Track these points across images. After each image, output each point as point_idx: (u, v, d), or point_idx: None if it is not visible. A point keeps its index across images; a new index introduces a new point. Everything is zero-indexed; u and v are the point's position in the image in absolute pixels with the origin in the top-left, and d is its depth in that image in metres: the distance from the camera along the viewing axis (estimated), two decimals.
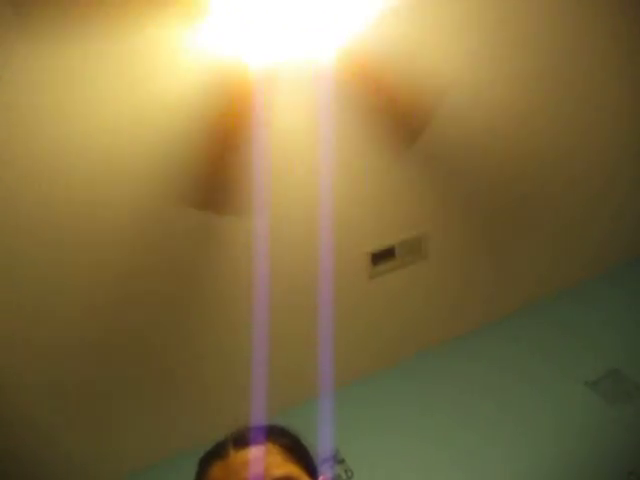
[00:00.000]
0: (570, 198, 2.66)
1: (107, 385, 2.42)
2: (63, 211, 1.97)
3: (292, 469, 0.84)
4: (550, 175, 2.57)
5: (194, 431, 2.54)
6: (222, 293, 2.41)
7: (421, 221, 2.52)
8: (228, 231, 2.25)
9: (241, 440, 0.87)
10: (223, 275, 2.37)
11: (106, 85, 1.81)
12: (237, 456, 0.84)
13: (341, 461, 2.38)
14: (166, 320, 2.38)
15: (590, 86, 2.37)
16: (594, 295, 2.84)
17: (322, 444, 2.26)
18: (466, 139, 2.36)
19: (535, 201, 2.62)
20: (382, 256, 2.54)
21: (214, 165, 1.84)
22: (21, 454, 2.44)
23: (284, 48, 1.72)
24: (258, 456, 0.84)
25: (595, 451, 2.27)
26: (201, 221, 2.17)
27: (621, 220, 2.79)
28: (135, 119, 1.89)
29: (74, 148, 1.88)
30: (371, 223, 2.47)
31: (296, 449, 0.89)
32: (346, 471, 2.36)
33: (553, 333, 2.74)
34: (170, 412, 2.59)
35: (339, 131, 2.18)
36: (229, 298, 2.42)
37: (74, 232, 2.03)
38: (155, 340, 2.41)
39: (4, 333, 2.14)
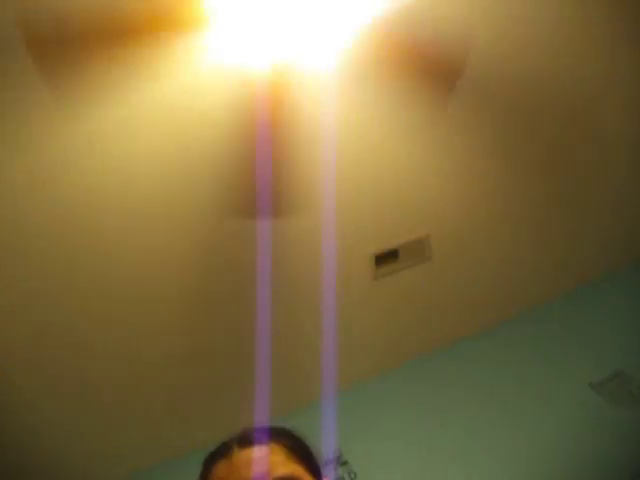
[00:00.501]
0: (572, 201, 2.65)
1: (108, 385, 2.43)
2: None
3: (295, 469, 0.85)
4: (552, 179, 2.57)
5: (195, 434, 2.54)
6: (223, 295, 2.42)
7: (425, 223, 2.52)
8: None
9: (245, 440, 0.87)
10: (225, 277, 2.38)
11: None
12: (241, 455, 0.85)
13: (344, 463, 2.38)
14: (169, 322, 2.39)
15: (596, 88, 2.37)
16: (599, 297, 2.83)
17: (325, 446, 2.26)
18: (469, 143, 2.37)
19: (538, 204, 2.62)
20: (386, 258, 2.54)
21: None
22: (19, 456, 2.45)
23: (293, 49, 1.72)
24: (262, 455, 0.84)
25: (599, 453, 2.26)
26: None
27: (625, 222, 2.78)
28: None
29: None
30: (375, 225, 2.47)
31: (300, 449, 0.89)
32: (349, 473, 2.36)
33: (557, 335, 2.73)
34: (171, 414, 2.59)
35: (343, 132, 2.19)
36: (230, 300, 2.42)
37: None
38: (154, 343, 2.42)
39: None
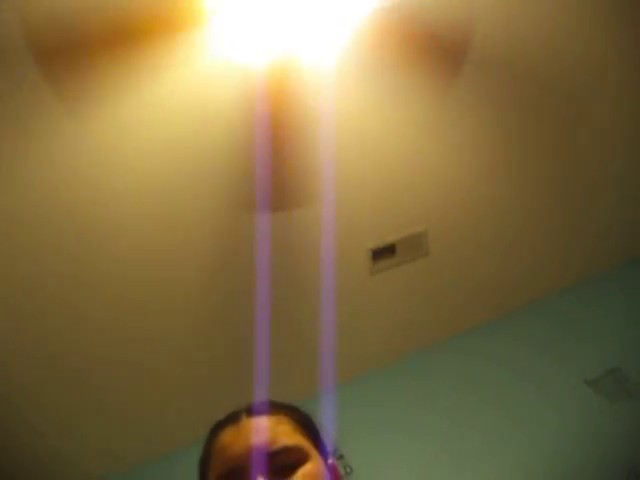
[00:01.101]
0: (571, 196, 2.66)
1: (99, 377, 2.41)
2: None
3: (302, 441, 0.84)
4: (551, 172, 2.58)
5: (190, 428, 2.52)
6: (222, 289, 2.41)
7: (422, 218, 2.52)
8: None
9: (254, 409, 0.87)
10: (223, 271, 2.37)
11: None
12: (249, 422, 0.84)
13: (340, 457, 2.37)
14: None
15: (591, 80, 2.38)
16: (595, 293, 2.83)
17: None
18: (469, 138, 2.38)
19: (535, 198, 2.62)
20: (383, 253, 2.54)
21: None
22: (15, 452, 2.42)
23: (293, 42, 1.72)
24: (270, 424, 0.84)
25: (595, 450, 2.26)
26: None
27: (623, 218, 2.79)
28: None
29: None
30: (372, 219, 2.47)
31: (308, 425, 0.89)
32: (345, 467, 2.35)
33: (553, 331, 2.73)
34: (167, 408, 2.57)
35: (343, 127, 2.19)
36: (229, 294, 2.42)
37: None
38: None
39: None
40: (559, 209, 2.68)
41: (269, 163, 2.14)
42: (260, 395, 2.22)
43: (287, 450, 0.80)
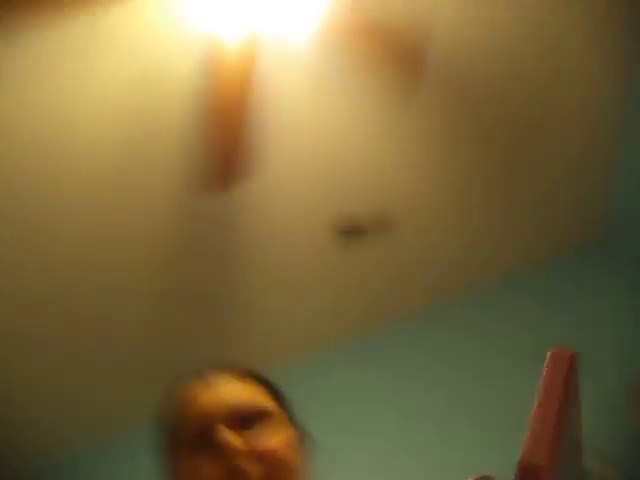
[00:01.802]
0: (536, 179, 2.70)
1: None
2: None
3: (272, 406, 0.84)
4: (518, 157, 2.61)
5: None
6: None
7: (391, 197, 2.54)
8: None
9: (225, 370, 0.86)
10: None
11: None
12: (218, 379, 0.83)
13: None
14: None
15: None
16: (565, 269, 2.86)
17: None
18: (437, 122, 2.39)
19: (510, 170, 2.68)
20: (354, 230, 2.55)
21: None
22: None
23: (268, 18, 1.71)
24: (240, 385, 0.83)
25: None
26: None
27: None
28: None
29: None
30: (342, 200, 2.47)
31: (277, 393, 0.89)
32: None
33: (523, 303, 2.76)
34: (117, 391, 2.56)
35: (311, 104, 2.19)
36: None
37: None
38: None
39: None
40: (524, 191, 2.71)
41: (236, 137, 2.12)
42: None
43: (256, 410, 0.80)
